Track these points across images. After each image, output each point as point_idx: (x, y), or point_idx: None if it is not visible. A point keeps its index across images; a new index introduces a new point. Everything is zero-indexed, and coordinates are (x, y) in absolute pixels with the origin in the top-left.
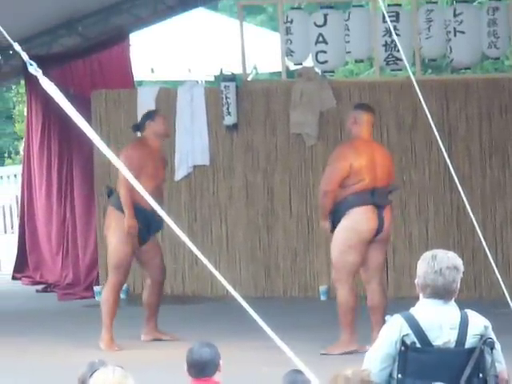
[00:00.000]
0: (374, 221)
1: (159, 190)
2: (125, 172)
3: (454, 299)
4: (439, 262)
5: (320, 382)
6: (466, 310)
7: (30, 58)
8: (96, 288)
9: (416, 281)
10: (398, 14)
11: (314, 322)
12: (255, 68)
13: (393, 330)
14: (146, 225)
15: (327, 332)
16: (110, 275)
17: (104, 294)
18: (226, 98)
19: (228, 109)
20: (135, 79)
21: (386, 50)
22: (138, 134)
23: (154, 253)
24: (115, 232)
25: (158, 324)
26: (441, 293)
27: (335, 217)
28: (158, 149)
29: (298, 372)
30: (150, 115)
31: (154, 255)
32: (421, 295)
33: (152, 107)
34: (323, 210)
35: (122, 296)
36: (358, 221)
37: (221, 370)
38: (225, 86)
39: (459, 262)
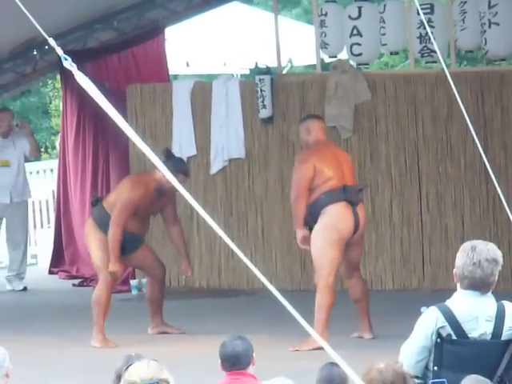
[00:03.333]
0: (351, 218)
1: (147, 219)
2: (158, 164)
3: (491, 291)
4: (478, 253)
5: (355, 374)
6: (502, 302)
7: (65, 53)
8: (132, 282)
9: (454, 271)
10: (432, 6)
11: (350, 314)
12: (290, 61)
13: (428, 322)
14: (123, 246)
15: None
16: (101, 276)
17: (96, 293)
18: (261, 91)
19: (263, 102)
20: (170, 73)
21: (420, 42)
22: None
23: (143, 256)
24: (95, 240)
25: (165, 317)
26: (478, 285)
27: (311, 218)
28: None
29: (335, 365)
30: (175, 169)
31: (143, 258)
32: (458, 285)
33: (187, 101)
34: (297, 218)
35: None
36: (335, 218)
37: (255, 362)
38: (260, 79)
39: (499, 254)
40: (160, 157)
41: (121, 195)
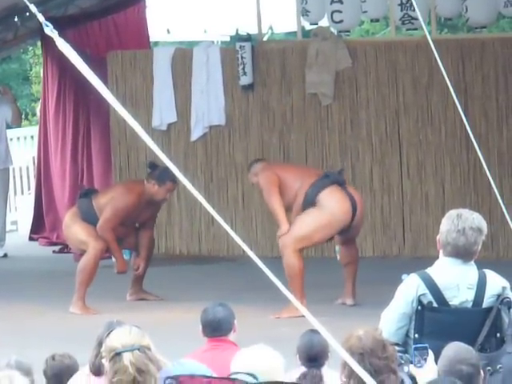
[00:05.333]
0: (346, 200)
1: (132, 227)
2: (140, 132)
3: (473, 260)
4: (463, 221)
5: (336, 341)
6: (484, 270)
7: (46, 20)
8: None
9: (438, 237)
10: None
11: (330, 281)
12: (271, 28)
13: (409, 290)
14: None
15: (342, 291)
16: (90, 246)
17: (83, 261)
18: (242, 58)
19: (244, 69)
20: (151, 40)
21: (401, 10)
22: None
23: (128, 242)
24: (77, 226)
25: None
26: (461, 252)
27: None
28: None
29: (315, 332)
30: (163, 178)
31: (128, 243)
32: (441, 252)
33: (168, 68)
34: (278, 212)
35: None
36: (329, 201)
37: (236, 329)
38: (240, 46)
39: (483, 224)
40: (146, 170)
41: (112, 201)
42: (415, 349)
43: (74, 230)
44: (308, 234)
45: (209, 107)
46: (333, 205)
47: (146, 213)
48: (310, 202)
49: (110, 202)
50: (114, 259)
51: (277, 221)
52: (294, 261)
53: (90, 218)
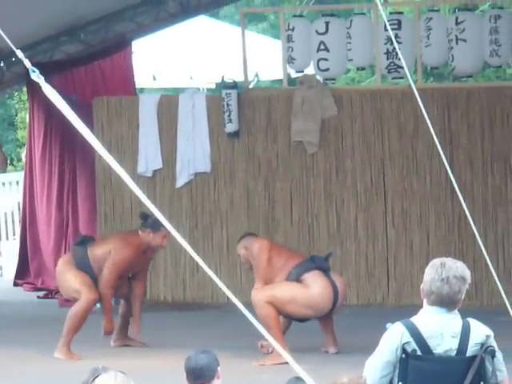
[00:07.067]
0: (328, 287)
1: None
2: (125, 178)
3: (457, 309)
4: (447, 270)
5: None
6: (468, 319)
7: (33, 65)
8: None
9: (421, 286)
10: (399, 22)
11: (313, 329)
12: (257, 75)
13: (393, 338)
14: None
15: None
16: (83, 295)
17: (75, 308)
18: (228, 105)
19: (229, 116)
20: (137, 86)
21: (387, 58)
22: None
23: (120, 291)
24: (71, 273)
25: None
26: (445, 301)
27: None
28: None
29: (300, 379)
30: (157, 225)
31: (122, 289)
32: (424, 301)
33: (154, 115)
34: (261, 272)
35: (98, 305)
36: (312, 284)
37: (220, 376)
38: (226, 94)
39: (467, 272)
40: (139, 220)
41: (112, 256)
42: None
43: (68, 277)
44: (282, 299)
45: (194, 154)
46: (316, 290)
47: (140, 263)
48: (293, 280)
49: (110, 257)
50: (98, 305)
51: (256, 276)
52: (267, 311)
53: (84, 266)
